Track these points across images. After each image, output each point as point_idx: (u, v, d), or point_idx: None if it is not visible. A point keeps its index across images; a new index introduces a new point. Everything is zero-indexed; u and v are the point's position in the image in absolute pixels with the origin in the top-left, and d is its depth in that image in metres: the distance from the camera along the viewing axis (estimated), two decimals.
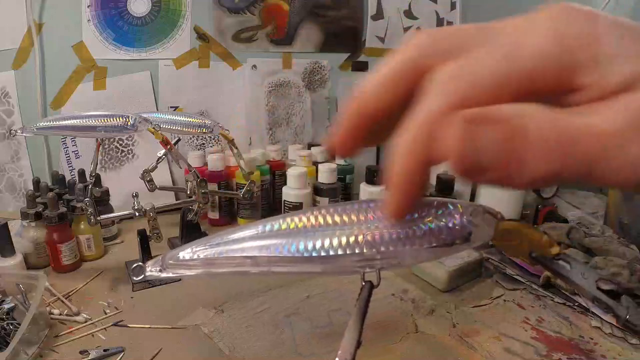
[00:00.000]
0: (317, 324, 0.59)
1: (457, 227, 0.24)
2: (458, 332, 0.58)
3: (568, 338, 0.57)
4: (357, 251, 0.24)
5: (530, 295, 0.67)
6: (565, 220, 0.83)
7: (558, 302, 0.64)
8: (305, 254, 0.25)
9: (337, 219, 0.25)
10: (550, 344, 0.56)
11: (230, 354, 0.53)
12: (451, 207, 0.24)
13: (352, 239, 0.24)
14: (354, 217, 0.25)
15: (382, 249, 0.24)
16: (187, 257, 0.28)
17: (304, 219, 0.26)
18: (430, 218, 0.24)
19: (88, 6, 0.91)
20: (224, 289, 0.67)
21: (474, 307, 0.63)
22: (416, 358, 0.53)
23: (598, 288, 0.55)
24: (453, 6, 1.20)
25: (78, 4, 0.90)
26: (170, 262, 0.29)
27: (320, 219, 0.25)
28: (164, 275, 0.29)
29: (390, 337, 0.56)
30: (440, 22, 1.20)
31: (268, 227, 0.26)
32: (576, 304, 0.63)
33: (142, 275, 0.30)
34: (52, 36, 0.90)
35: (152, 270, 0.30)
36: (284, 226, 0.26)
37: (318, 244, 0.25)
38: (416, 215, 0.24)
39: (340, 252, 0.25)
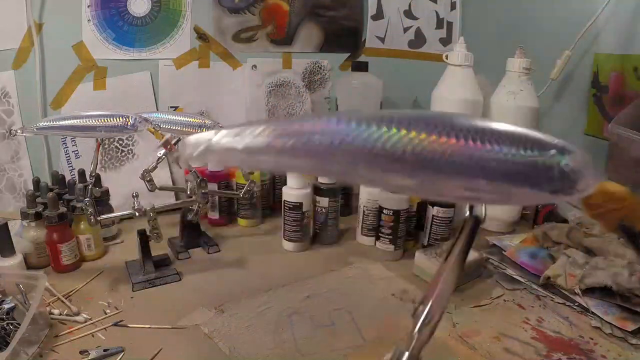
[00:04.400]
0: (319, 323, 0.59)
1: (566, 172, 0.22)
2: (458, 332, 0.58)
3: (568, 338, 0.57)
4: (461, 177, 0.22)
5: (530, 295, 0.67)
6: (565, 220, 0.83)
7: (558, 302, 0.64)
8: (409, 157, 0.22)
9: (453, 140, 0.22)
10: (550, 344, 0.56)
11: (230, 354, 0.53)
12: (565, 153, 0.22)
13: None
14: (470, 142, 0.22)
15: (495, 182, 0.22)
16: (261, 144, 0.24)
17: (413, 132, 0.23)
18: (543, 159, 0.22)
19: (88, 6, 0.91)
20: (225, 289, 0.67)
21: (474, 307, 0.63)
22: None
23: None
24: (453, 6, 1.20)
25: (78, 4, 0.90)
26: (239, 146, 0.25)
27: (434, 137, 0.22)
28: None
29: (390, 337, 0.56)
30: (440, 22, 1.20)
31: (361, 125, 0.23)
32: (576, 303, 0.63)
33: (203, 148, 0.26)
34: (52, 36, 0.90)
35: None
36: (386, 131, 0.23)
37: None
38: (532, 151, 0.22)
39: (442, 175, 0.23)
